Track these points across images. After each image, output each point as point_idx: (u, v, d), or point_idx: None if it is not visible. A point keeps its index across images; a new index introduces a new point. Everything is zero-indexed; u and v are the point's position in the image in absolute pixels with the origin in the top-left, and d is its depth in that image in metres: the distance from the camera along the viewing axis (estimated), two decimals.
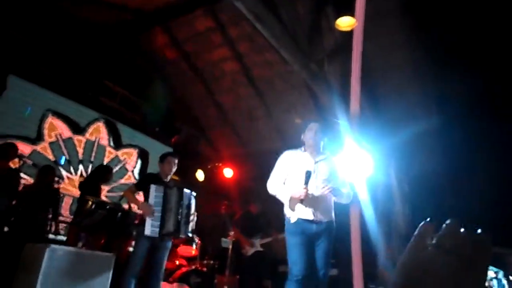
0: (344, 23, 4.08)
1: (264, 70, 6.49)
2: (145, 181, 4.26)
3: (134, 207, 5.28)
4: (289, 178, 3.27)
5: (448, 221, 0.50)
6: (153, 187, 4.00)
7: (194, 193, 4.32)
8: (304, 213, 3.15)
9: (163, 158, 4.30)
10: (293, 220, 3.15)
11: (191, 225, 4.26)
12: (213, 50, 6.52)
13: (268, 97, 6.96)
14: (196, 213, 4.34)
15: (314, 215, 3.16)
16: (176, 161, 4.25)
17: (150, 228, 3.85)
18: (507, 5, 4.23)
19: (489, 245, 0.47)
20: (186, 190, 4.24)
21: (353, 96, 2.65)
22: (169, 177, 4.27)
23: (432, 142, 5.75)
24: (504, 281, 4.18)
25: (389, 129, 5.48)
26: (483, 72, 4.96)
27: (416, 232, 0.52)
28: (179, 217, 4.04)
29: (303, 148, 3.37)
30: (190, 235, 4.42)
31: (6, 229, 4.26)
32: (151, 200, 3.96)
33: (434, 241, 0.48)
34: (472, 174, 5.99)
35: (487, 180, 5.90)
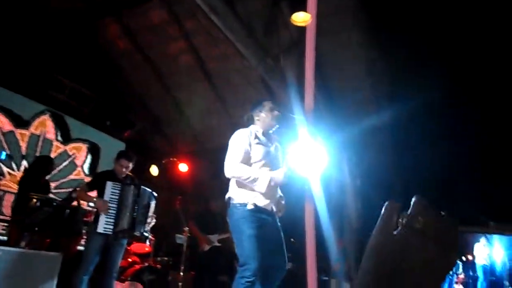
0: (299, 18, 4.12)
1: (220, 64, 6.44)
2: (99, 179, 4.10)
3: (84, 204, 5.06)
4: (252, 160, 2.85)
5: (414, 199, 0.49)
6: (109, 184, 3.88)
7: (155, 194, 4.22)
8: (263, 201, 2.78)
9: (117, 157, 4.15)
10: (250, 207, 2.73)
11: (148, 226, 4.16)
12: (169, 43, 6.38)
13: (224, 92, 6.92)
14: (154, 216, 4.20)
15: (271, 205, 2.85)
16: (130, 164, 4.08)
17: (103, 225, 3.74)
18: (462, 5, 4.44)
19: (457, 227, 0.47)
20: (146, 189, 4.13)
21: (307, 91, 2.68)
22: (123, 176, 4.13)
23: (382, 137, 5.99)
24: (458, 262, 4.37)
25: (342, 124, 5.64)
26: (433, 71, 5.22)
27: (382, 212, 0.51)
28: (135, 214, 3.94)
29: (257, 127, 3.01)
30: (146, 234, 4.32)
31: None
32: (107, 196, 3.84)
33: (404, 221, 0.48)
34: (419, 166, 6.31)
35: (435, 172, 6.25)
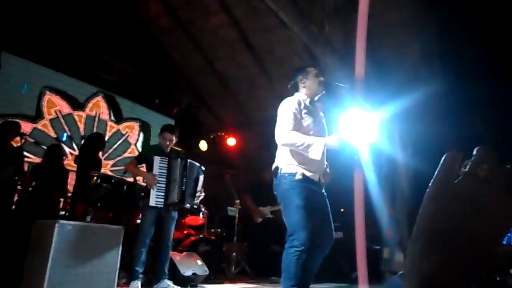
0: None
1: (263, 35, 6.32)
2: (146, 153, 4.26)
3: (140, 180, 5.31)
4: (302, 129, 2.81)
5: (478, 147, 0.46)
6: (157, 159, 4.00)
7: (203, 168, 4.31)
8: (310, 171, 2.73)
9: (160, 131, 4.27)
10: (298, 177, 2.69)
11: (198, 199, 4.28)
12: (209, 17, 6.33)
13: (268, 63, 6.82)
14: (202, 190, 4.30)
15: (318, 176, 2.82)
16: (173, 137, 4.19)
17: (154, 199, 3.89)
18: None
19: None
20: (194, 162, 4.24)
21: (358, 59, 2.57)
22: (169, 149, 4.24)
23: (435, 104, 5.68)
24: None
25: (392, 93, 5.39)
26: (489, 31, 4.81)
27: (442, 162, 0.48)
28: (183, 187, 4.06)
29: (303, 95, 2.95)
30: (195, 206, 4.45)
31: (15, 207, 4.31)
32: (155, 171, 3.97)
33: (466, 169, 0.44)
34: (474, 134, 5.95)
35: (493, 141, 5.86)
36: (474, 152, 0.46)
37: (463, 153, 0.47)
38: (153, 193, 3.90)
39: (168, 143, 4.17)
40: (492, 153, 0.45)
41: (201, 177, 4.29)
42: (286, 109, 2.82)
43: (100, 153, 5.23)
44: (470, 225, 0.41)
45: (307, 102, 2.94)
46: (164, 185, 3.98)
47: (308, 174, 2.74)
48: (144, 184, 4.69)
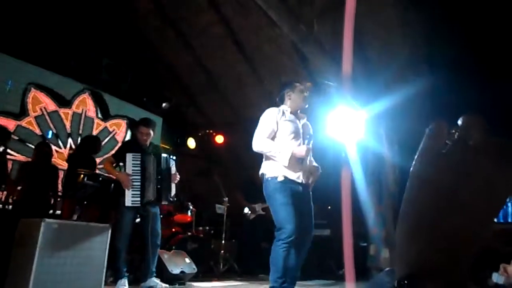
0: None
1: (252, 34, 6.32)
2: (122, 150, 4.11)
3: None
4: (279, 137, 3.09)
5: (464, 116, 0.43)
6: (129, 156, 3.87)
7: (173, 157, 4.19)
8: (292, 173, 3.01)
9: (136, 125, 4.14)
10: (280, 179, 2.98)
11: (173, 190, 4.13)
12: (199, 15, 6.31)
13: (257, 62, 6.82)
14: (177, 174, 4.17)
15: (301, 177, 3.06)
16: (149, 131, 4.07)
17: (130, 198, 3.78)
18: None
19: None
20: (164, 155, 4.13)
21: (346, 57, 2.60)
22: (148, 143, 4.12)
23: (422, 103, 5.76)
24: None
25: (380, 91, 5.46)
26: (474, 33, 4.90)
27: (427, 134, 0.45)
28: (158, 185, 3.93)
29: (287, 107, 3.19)
30: (172, 199, 4.30)
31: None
32: (129, 169, 3.84)
33: (455, 136, 0.42)
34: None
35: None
36: (461, 120, 0.43)
37: (448, 123, 0.44)
38: (128, 193, 3.76)
39: (145, 137, 4.03)
40: (480, 120, 0.42)
41: (173, 167, 4.13)
42: (265, 118, 3.11)
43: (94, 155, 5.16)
44: (463, 195, 0.38)
45: (288, 113, 3.17)
46: (139, 183, 3.83)
47: (290, 176, 3.00)
48: None
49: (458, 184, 0.39)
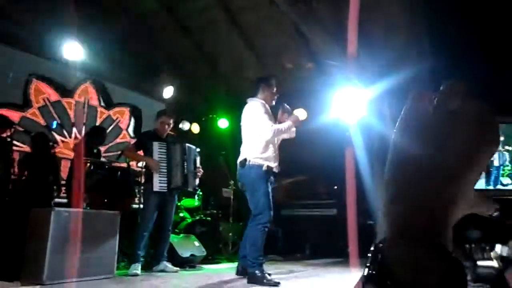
0: None
1: (250, 14, 6.23)
2: (143, 139, 4.27)
3: (133, 165, 5.30)
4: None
5: (446, 82, 0.43)
6: (155, 144, 4.04)
7: (198, 149, 4.38)
8: (273, 164, 3.39)
9: (158, 116, 4.29)
10: (264, 168, 3.32)
11: (197, 180, 4.35)
12: None
13: (257, 42, 6.75)
14: (200, 167, 4.38)
15: (277, 167, 3.47)
16: (171, 121, 4.26)
17: (158, 184, 3.94)
18: None
19: (497, 113, 0.41)
20: (190, 146, 4.29)
21: (350, 36, 2.57)
22: (165, 134, 4.27)
23: (424, 82, 5.70)
24: (506, 153, 4.07)
25: (383, 69, 5.40)
26: (480, 8, 4.80)
27: (410, 98, 0.45)
28: (185, 171, 4.11)
29: (263, 102, 3.60)
30: (197, 188, 4.54)
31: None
32: (155, 156, 4.01)
33: (435, 102, 0.42)
34: None
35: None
36: (442, 86, 0.43)
37: (432, 89, 0.44)
38: (156, 178, 3.94)
39: (166, 127, 4.21)
40: (461, 86, 0.42)
41: (198, 159, 4.35)
42: (261, 111, 3.46)
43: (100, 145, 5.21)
44: (444, 158, 0.38)
45: (267, 107, 3.61)
46: (165, 170, 4.01)
47: (271, 166, 3.38)
48: (139, 169, 4.70)
49: (439, 147, 0.39)
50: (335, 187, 6.74)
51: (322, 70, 6.26)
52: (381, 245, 0.37)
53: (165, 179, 4.00)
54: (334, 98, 5.05)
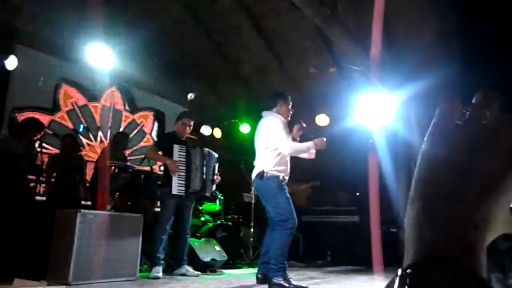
0: None
1: (273, 19, 6.24)
2: (165, 140, 4.31)
3: (156, 169, 5.37)
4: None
5: (480, 92, 0.40)
6: (176, 147, 4.05)
7: (216, 155, 4.38)
8: (286, 176, 3.58)
9: (179, 117, 4.31)
10: (281, 178, 3.49)
11: (214, 186, 4.35)
12: (218, 2, 6.26)
13: (280, 47, 6.75)
14: (218, 174, 4.40)
15: (287, 178, 3.61)
16: (191, 123, 4.27)
17: (176, 187, 3.96)
18: None
19: None
20: (210, 151, 4.29)
21: (374, 40, 2.53)
22: (185, 137, 4.29)
23: (452, 87, 5.56)
24: None
25: (408, 73, 5.30)
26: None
27: (438, 112, 0.42)
28: (204, 176, 4.11)
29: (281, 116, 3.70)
30: (214, 194, 4.53)
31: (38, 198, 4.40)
32: (175, 159, 4.02)
33: (467, 114, 0.39)
34: None
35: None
36: (475, 98, 0.41)
37: (462, 101, 0.41)
38: (175, 181, 3.96)
39: (187, 129, 4.23)
40: (495, 97, 0.39)
41: (217, 166, 4.35)
42: (280, 126, 3.54)
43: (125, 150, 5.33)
44: (478, 175, 0.36)
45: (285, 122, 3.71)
46: (184, 174, 4.02)
47: (285, 178, 3.55)
48: (161, 173, 4.75)
49: (472, 163, 0.37)
50: (357, 193, 6.64)
51: (345, 75, 6.20)
52: (409, 270, 0.34)
53: (184, 182, 4.01)
54: (357, 103, 4.97)
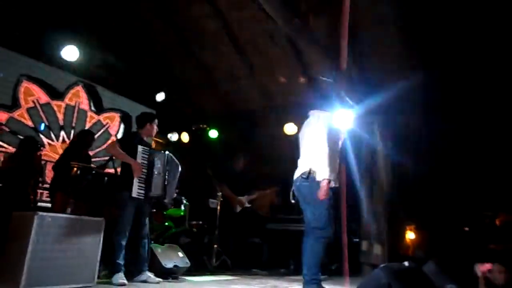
0: None
1: (246, 27, 6.28)
2: (129, 140, 4.13)
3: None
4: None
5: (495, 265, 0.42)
6: (140, 148, 3.93)
7: (179, 165, 4.28)
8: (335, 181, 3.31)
9: (150, 120, 4.20)
10: (331, 184, 3.21)
11: (174, 194, 4.26)
12: (192, 7, 6.24)
13: (251, 55, 6.79)
14: (178, 181, 4.29)
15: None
16: (155, 126, 4.22)
17: (137, 190, 3.83)
18: None
19: None
20: (174, 158, 4.20)
21: (342, 53, 2.61)
22: (149, 139, 4.20)
23: (415, 98, 5.79)
24: None
25: (373, 86, 5.47)
26: (468, 29, 4.92)
27: None
28: (166, 182, 4.01)
29: None
30: (171, 203, 4.39)
31: None
32: (138, 161, 3.89)
33: None
34: (452, 130, 6.11)
35: (469, 137, 6.02)
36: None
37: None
38: (136, 184, 3.83)
39: (154, 132, 4.15)
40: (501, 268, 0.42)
41: (179, 169, 4.24)
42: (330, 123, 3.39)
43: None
44: None
45: None
46: (145, 177, 3.91)
47: (333, 183, 3.25)
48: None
49: None
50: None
51: (315, 85, 6.32)
52: None
53: (144, 186, 3.88)
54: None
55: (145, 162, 3.94)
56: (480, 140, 6.11)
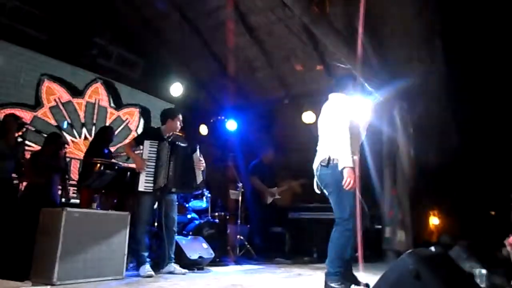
0: None
1: (262, 16, 6.22)
2: (142, 136, 4.25)
3: None
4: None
5: None
6: (146, 143, 4.01)
7: (196, 146, 4.27)
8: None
9: (174, 115, 4.24)
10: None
11: (198, 177, 4.20)
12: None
13: (267, 44, 6.73)
14: (202, 161, 4.25)
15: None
16: (179, 122, 4.26)
17: (143, 184, 3.91)
18: None
19: None
20: (180, 144, 4.20)
21: (360, 39, 2.55)
22: (169, 134, 4.22)
23: (437, 83, 5.65)
24: None
25: (393, 73, 5.36)
26: (494, 8, 4.74)
27: None
28: (170, 172, 4.03)
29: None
30: (194, 187, 4.30)
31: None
32: (145, 155, 3.98)
33: None
34: (476, 114, 5.95)
35: (491, 122, 5.86)
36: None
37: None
38: (142, 178, 3.91)
39: (178, 127, 4.23)
40: None
41: (195, 155, 4.22)
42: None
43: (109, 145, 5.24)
44: None
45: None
46: (152, 170, 3.97)
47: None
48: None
49: None
50: None
51: (332, 73, 6.24)
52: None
53: (151, 179, 3.94)
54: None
55: (153, 155, 4.00)
56: (505, 124, 5.94)
